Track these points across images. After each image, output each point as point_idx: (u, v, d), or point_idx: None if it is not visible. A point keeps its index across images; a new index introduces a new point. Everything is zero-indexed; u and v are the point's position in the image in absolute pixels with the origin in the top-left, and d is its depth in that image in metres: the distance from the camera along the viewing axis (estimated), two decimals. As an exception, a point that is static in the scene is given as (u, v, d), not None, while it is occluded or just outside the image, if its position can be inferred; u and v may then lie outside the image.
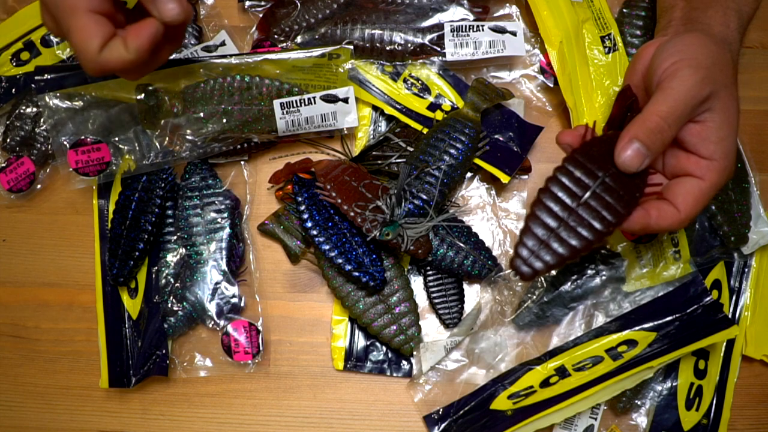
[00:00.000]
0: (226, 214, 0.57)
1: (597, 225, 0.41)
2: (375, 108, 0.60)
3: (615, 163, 0.42)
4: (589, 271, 0.56)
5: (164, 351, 0.55)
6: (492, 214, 0.59)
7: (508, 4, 0.63)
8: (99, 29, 0.41)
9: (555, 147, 0.54)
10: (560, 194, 0.42)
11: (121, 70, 0.42)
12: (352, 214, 0.52)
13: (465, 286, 0.58)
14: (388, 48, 0.58)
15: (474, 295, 0.58)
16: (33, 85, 0.57)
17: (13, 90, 0.59)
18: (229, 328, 0.55)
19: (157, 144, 0.56)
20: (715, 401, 0.56)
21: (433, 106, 0.59)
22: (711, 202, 0.56)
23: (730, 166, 0.44)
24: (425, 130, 0.58)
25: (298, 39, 0.59)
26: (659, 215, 0.43)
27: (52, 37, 0.60)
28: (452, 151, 0.55)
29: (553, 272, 0.56)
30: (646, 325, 0.53)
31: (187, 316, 0.56)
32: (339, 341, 0.57)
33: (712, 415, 0.56)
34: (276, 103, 0.55)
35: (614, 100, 0.47)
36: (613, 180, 0.42)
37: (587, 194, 0.41)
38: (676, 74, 0.42)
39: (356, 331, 0.57)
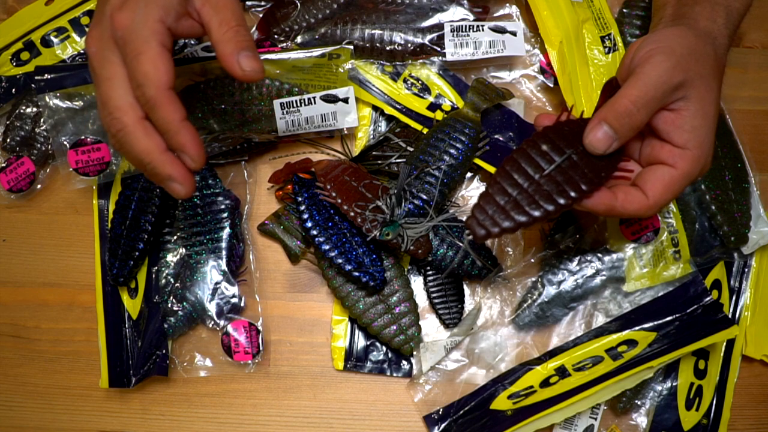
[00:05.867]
0: (226, 214, 0.57)
1: (556, 197, 0.42)
2: (375, 108, 0.60)
3: (583, 143, 0.43)
4: (589, 271, 0.56)
5: (164, 351, 0.55)
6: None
7: (508, 4, 0.63)
8: (169, 64, 0.40)
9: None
10: (524, 164, 0.43)
11: (160, 120, 0.40)
12: (352, 214, 0.52)
13: (465, 286, 0.58)
14: (388, 48, 0.58)
15: (474, 295, 0.58)
16: (33, 85, 0.57)
17: (13, 90, 0.59)
18: (229, 328, 0.55)
19: (157, 144, 0.56)
20: (715, 401, 0.56)
21: (433, 106, 0.59)
22: (711, 202, 0.56)
23: (704, 156, 0.44)
24: (425, 130, 0.58)
25: (298, 39, 0.59)
26: (626, 199, 0.43)
27: (52, 37, 0.60)
28: (452, 151, 0.55)
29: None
30: (646, 325, 0.53)
31: (187, 316, 0.56)
32: (339, 341, 0.57)
33: (712, 415, 0.56)
34: (276, 103, 0.55)
35: (600, 91, 0.47)
36: (581, 158, 0.43)
37: (551, 167, 0.42)
38: (648, 60, 0.43)
39: (356, 331, 0.57)
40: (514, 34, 0.58)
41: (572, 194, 0.42)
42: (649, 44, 0.44)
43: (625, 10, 0.62)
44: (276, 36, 0.60)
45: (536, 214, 0.41)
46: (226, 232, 0.56)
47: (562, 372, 0.53)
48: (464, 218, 0.58)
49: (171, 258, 0.57)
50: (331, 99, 0.56)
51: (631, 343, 0.53)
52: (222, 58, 0.41)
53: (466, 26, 0.58)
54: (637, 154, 0.47)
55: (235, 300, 0.56)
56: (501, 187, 0.42)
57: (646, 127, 0.44)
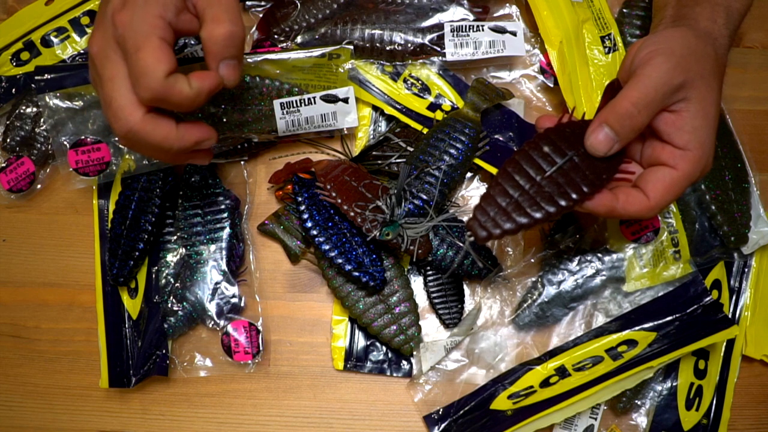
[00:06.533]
0: (226, 214, 0.57)
1: (558, 199, 0.42)
2: (375, 108, 0.60)
3: (584, 145, 0.43)
4: (589, 271, 0.56)
5: (164, 351, 0.55)
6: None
7: (508, 4, 0.63)
8: (170, 56, 0.40)
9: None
10: (526, 166, 0.43)
11: (177, 105, 0.41)
12: (352, 214, 0.52)
13: (465, 286, 0.58)
14: (388, 48, 0.58)
15: (474, 295, 0.58)
16: (33, 85, 0.57)
17: (13, 90, 0.59)
18: (229, 328, 0.55)
19: (157, 144, 0.56)
20: (715, 401, 0.56)
21: (433, 106, 0.59)
22: (711, 202, 0.56)
23: (705, 156, 0.44)
24: (425, 130, 0.58)
25: (298, 39, 0.59)
26: (627, 200, 0.44)
27: (52, 37, 0.60)
28: (452, 151, 0.55)
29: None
30: (646, 325, 0.53)
31: (187, 316, 0.56)
32: (339, 341, 0.57)
33: (712, 415, 0.56)
34: (276, 103, 0.55)
35: (602, 93, 0.47)
36: (582, 160, 0.43)
37: (552, 169, 0.43)
38: (649, 62, 0.43)
39: (356, 331, 0.57)
40: (514, 34, 0.58)
41: (573, 196, 0.42)
42: (650, 46, 0.44)
43: (625, 10, 0.62)
44: (276, 36, 0.60)
45: (537, 215, 0.41)
46: (226, 232, 0.56)
47: (562, 372, 0.53)
48: (464, 218, 0.58)
49: (171, 258, 0.57)
50: (331, 99, 0.56)
51: (631, 343, 0.53)
52: (206, 56, 0.42)
53: (466, 26, 0.58)
54: (638, 156, 0.47)
55: (235, 300, 0.56)
56: (502, 189, 0.42)
57: (648, 128, 0.44)
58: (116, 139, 0.56)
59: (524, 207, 0.42)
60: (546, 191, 0.42)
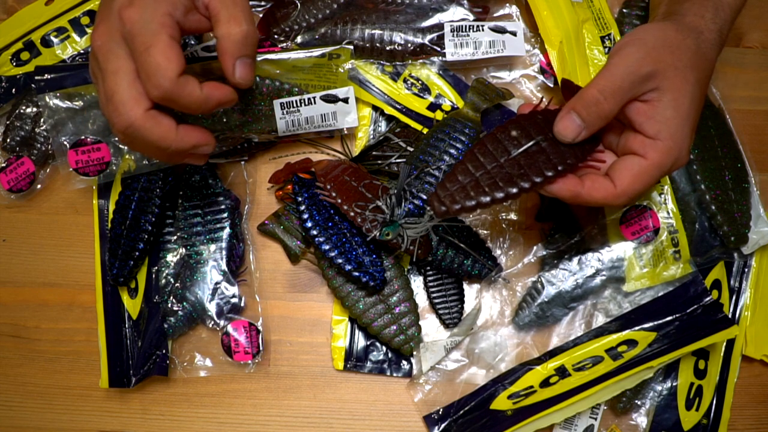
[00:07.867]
0: (226, 214, 0.57)
1: (518, 180, 0.43)
2: (375, 108, 0.60)
3: (553, 132, 0.44)
4: (589, 271, 0.56)
5: (164, 351, 0.55)
6: (491, 214, 0.59)
7: (508, 4, 0.63)
8: (180, 56, 0.40)
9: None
10: (491, 148, 0.44)
11: (185, 106, 0.41)
12: (352, 214, 0.52)
13: (465, 286, 0.58)
14: (388, 48, 0.58)
15: (474, 295, 0.58)
16: (33, 85, 0.57)
17: (13, 90, 0.59)
18: (229, 328, 0.55)
19: (157, 144, 0.56)
20: (715, 401, 0.56)
21: (433, 106, 0.59)
22: (711, 202, 0.56)
23: (677, 148, 0.44)
24: (425, 130, 0.58)
25: (298, 39, 0.59)
26: (592, 186, 0.44)
27: (52, 37, 0.60)
28: (452, 151, 0.55)
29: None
30: (646, 325, 0.53)
31: (187, 316, 0.56)
32: (339, 341, 0.57)
33: (712, 415, 0.56)
34: (276, 103, 0.55)
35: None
36: (549, 145, 0.44)
37: (516, 152, 0.43)
38: (619, 51, 0.44)
39: (356, 331, 0.57)
40: (514, 34, 0.58)
41: (535, 179, 0.43)
42: (625, 38, 0.45)
43: (625, 10, 0.62)
44: (276, 36, 0.60)
45: (498, 194, 0.42)
46: (226, 232, 0.56)
47: (562, 372, 0.53)
48: (464, 218, 0.58)
49: (171, 258, 0.57)
50: (331, 99, 0.56)
51: (631, 343, 0.53)
52: (222, 55, 0.42)
53: (466, 26, 0.58)
54: (616, 146, 0.48)
55: (235, 300, 0.56)
56: (465, 168, 0.43)
57: (624, 118, 0.45)
58: (116, 138, 0.56)
59: (483, 186, 0.43)
60: (507, 172, 0.43)
